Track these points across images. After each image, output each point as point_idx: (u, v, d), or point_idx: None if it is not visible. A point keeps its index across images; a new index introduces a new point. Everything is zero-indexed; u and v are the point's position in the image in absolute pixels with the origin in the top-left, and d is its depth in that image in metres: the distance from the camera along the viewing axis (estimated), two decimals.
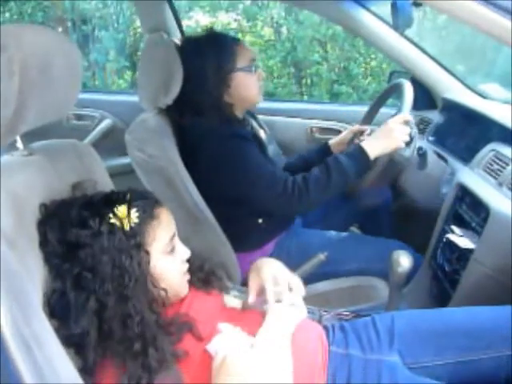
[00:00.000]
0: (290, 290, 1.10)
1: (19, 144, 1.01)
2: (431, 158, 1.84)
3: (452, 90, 2.08)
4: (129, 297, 0.91)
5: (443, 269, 1.60)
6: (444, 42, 4.14)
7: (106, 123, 2.61)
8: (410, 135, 1.60)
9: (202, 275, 1.15)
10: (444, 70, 2.11)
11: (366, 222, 2.17)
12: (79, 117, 2.63)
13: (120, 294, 0.90)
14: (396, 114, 1.66)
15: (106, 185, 1.17)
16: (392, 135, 1.57)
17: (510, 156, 1.48)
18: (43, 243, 0.91)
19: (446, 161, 1.81)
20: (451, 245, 1.52)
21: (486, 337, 1.12)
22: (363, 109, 2.13)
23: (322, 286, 1.72)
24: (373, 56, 4.97)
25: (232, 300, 1.13)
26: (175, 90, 1.58)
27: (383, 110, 2.06)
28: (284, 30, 5.15)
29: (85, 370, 0.88)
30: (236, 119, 1.72)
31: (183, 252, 1.06)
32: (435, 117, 2.09)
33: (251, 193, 1.59)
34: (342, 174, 1.54)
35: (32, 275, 0.85)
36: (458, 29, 3.83)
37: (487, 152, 1.58)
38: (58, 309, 0.88)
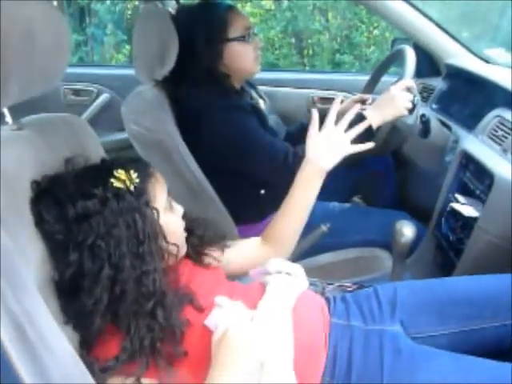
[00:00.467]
0: None
1: (8, 118, 0.98)
2: (434, 125, 1.80)
3: (456, 55, 2.03)
4: (144, 254, 0.92)
5: (447, 238, 1.58)
6: (448, 7, 4.05)
7: (103, 98, 2.58)
8: (413, 102, 1.56)
9: (198, 237, 1.16)
10: (448, 36, 2.06)
11: (369, 192, 2.16)
12: (76, 92, 2.60)
13: (135, 254, 0.91)
14: (398, 81, 1.62)
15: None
16: (394, 103, 1.54)
17: None
18: (39, 222, 0.89)
19: (449, 128, 1.78)
20: (455, 213, 1.50)
21: (490, 306, 1.11)
22: (365, 78, 2.09)
23: (325, 257, 1.71)
24: (375, 24, 4.89)
25: None
26: (171, 60, 1.55)
27: (385, 79, 2.02)
28: None
29: (85, 343, 0.88)
30: (234, 90, 1.69)
31: (179, 208, 1.08)
32: (438, 84, 2.05)
33: (251, 165, 1.57)
34: None
35: (25, 254, 0.82)
36: None
37: (492, 118, 1.55)
38: (69, 284, 0.88)
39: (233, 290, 1.07)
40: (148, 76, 1.64)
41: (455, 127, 1.75)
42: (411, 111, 1.57)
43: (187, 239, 1.10)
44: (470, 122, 1.66)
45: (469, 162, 1.53)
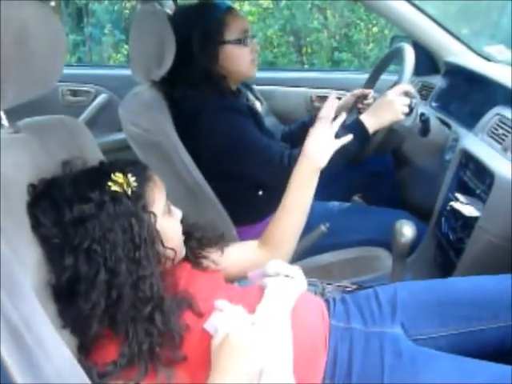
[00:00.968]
0: None
1: (4, 121, 0.97)
2: (434, 124, 1.79)
3: (455, 53, 2.02)
4: (141, 259, 0.91)
5: (447, 237, 1.57)
6: (447, 4, 4.04)
7: (101, 98, 2.57)
8: (410, 106, 1.56)
9: (197, 240, 1.16)
10: (447, 33, 2.04)
11: (369, 191, 2.15)
12: (74, 93, 2.59)
13: (131, 258, 0.91)
14: (397, 81, 1.61)
15: (98, 161, 1.14)
16: (391, 108, 1.53)
17: None
18: (36, 226, 0.88)
19: (449, 127, 1.77)
20: (455, 213, 1.49)
21: (491, 307, 1.10)
22: (365, 76, 2.08)
23: (325, 257, 1.71)
24: (374, 21, 4.88)
25: None
26: (168, 61, 1.54)
27: (385, 77, 2.01)
28: None
29: (83, 349, 0.87)
30: (230, 91, 1.68)
31: (177, 212, 1.08)
32: (438, 82, 2.04)
33: (248, 166, 1.56)
34: (340, 149, 1.51)
35: (21, 259, 0.82)
36: None
37: (492, 116, 1.54)
38: (66, 288, 0.87)
39: (232, 293, 1.06)
40: (145, 77, 1.63)
41: (455, 125, 1.74)
42: (409, 114, 1.57)
43: (186, 242, 1.10)
44: (470, 121, 1.65)
45: (469, 161, 1.52)
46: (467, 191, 1.50)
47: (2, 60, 0.76)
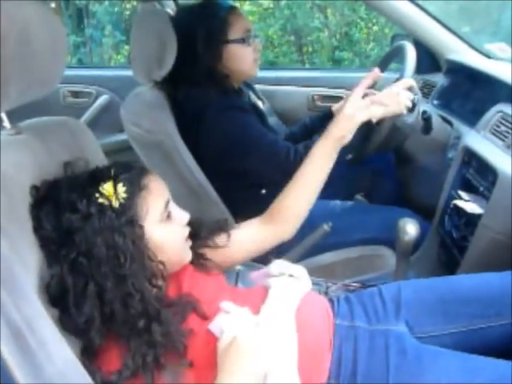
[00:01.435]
0: None
1: (6, 123, 0.97)
2: (436, 121, 1.79)
3: (456, 51, 2.02)
4: (127, 276, 0.88)
5: (451, 235, 1.57)
6: (447, 2, 4.04)
7: (103, 99, 2.57)
8: (413, 101, 1.56)
9: (203, 239, 1.13)
10: (448, 31, 2.04)
11: (371, 190, 2.14)
12: (76, 94, 2.59)
13: (117, 275, 0.87)
14: (399, 79, 1.61)
15: (100, 162, 1.13)
16: (396, 100, 1.53)
17: None
18: (38, 229, 0.87)
19: (451, 124, 1.77)
20: (459, 210, 1.48)
21: (495, 304, 1.10)
22: (366, 75, 2.07)
23: (328, 257, 1.70)
24: (374, 20, 4.88)
25: None
26: (169, 62, 1.54)
27: (386, 75, 2.00)
28: None
29: (87, 352, 0.87)
30: (233, 89, 1.68)
31: (181, 216, 1.02)
32: (439, 80, 2.03)
33: (253, 163, 1.56)
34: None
35: (23, 260, 0.81)
36: None
37: (494, 113, 1.53)
38: (57, 296, 0.85)
39: (236, 295, 1.06)
40: (146, 77, 1.63)
41: (457, 123, 1.74)
42: (411, 110, 1.56)
43: (193, 244, 1.07)
44: (472, 118, 1.65)
45: (471, 159, 1.52)
46: (470, 189, 1.50)
47: (4, 61, 0.75)
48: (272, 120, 1.85)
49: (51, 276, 0.85)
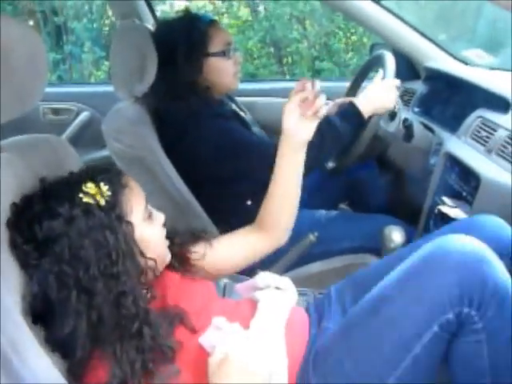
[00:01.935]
0: None
1: None
2: (417, 129, 1.80)
3: (434, 58, 2.04)
4: (119, 274, 0.86)
5: None
6: (423, 10, 4.09)
7: (83, 116, 2.55)
8: (394, 109, 1.58)
9: (179, 245, 1.11)
10: (425, 39, 2.07)
11: (355, 198, 2.15)
12: (56, 111, 2.56)
13: (109, 275, 0.86)
14: (383, 72, 1.63)
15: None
16: (388, 95, 1.57)
17: (497, 122, 1.45)
18: (12, 245, 0.85)
19: (432, 131, 1.78)
20: (443, 216, 1.49)
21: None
22: (346, 84, 2.09)
23: (315, 266, 1.70)
24: (353, 30, 4.92)
25: None
26: (150, 76, 1.53)
27: (366, 84, 2.02)
28: (261, 8, 5.07)
29: (72, 370, 0.85)
30: (214, 99, 1.68)
31: (159, 216, 1.02)
32: (419, 87, 2.05)
33: (244, 165, 1.55)
34: (336, 136, 1.52)
35: (7, 280, 0.80)
36: None
37: (474, 119, 1.55)
38: (41, 314, 0.83)
39: (224, 306, 1.05)
40: (127, 93, 1.62)
41: (438, 130, 1.75)
42: (392, 118, 1.59)
43: (170, 248, 1.06)
44: (453, 124, 1.66)
45: (454, 164, 1.53)
46: (454, 194, 1.51)
47: None
48: (256, 131, 1.85)
49: (34, 293, 0.83)
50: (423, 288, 0.95)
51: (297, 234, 1.31)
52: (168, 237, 1.06)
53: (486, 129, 1.47)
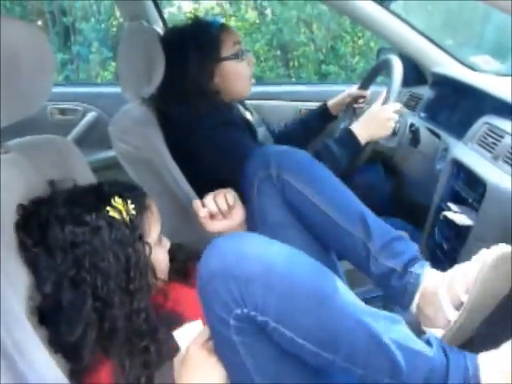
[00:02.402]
0: None
1: None
2: (424, 134, 1.80)
3: (441, 63, 2.04)
4: (135, 291, 0.88)
5: (441, 247, 1.57)
6: (431, 16, 4.09)
7: (90, 116, 2.55)
8: (395, 129, 1.60)
9: (181, 262, 1.13)
10: (432, 44, 2.06)
11: (363, 202, 2.14)
12: (63, 111, 2.57)
13: (125, 290, 0.87)
14: (386, 92, 1.62)
15: (87, 180, 1.13)
16: (385, 124, 1.57)
17: (504, 128, 1.44)
18: (22, 247, 0.86)
19: (438, 137, 1.78)
20: (449, 222, 1.49)
21: None
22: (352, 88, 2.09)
23: None
24: (360, 34, 4.91)
25: None
26: (157, 78, 1.54)
27: (373, 88, 2.02)
28: (268, 11, 5.08)
29: (74, 372, 0.85)
30: (223, 104, 1.68)
31: (167, 242, 1.05)
32: (426, 92, 2.05)
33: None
34: (332, 161, 1.52)
35: (12, 281, 0.80)
36: (444, 2, 3.78)
37: (481, 125, 1.55)
38: (49, 315, 0.84)
39: None
40: (134, 94, 1.63)
41: (444, 135, 1.75)
42: (394, 134, 1.60)
43: (171, 265, 1.07)
44: (459, 130, 1.66)
45: (460, 170, 1.53)
46: (460, 200, 1.50)
47: None
48: (261, 131, 1.86)
49: (46, 293, 0.84)
50: None
51: None
52: (171, 252, 1.07)
53: (493, 135, 1.46)
